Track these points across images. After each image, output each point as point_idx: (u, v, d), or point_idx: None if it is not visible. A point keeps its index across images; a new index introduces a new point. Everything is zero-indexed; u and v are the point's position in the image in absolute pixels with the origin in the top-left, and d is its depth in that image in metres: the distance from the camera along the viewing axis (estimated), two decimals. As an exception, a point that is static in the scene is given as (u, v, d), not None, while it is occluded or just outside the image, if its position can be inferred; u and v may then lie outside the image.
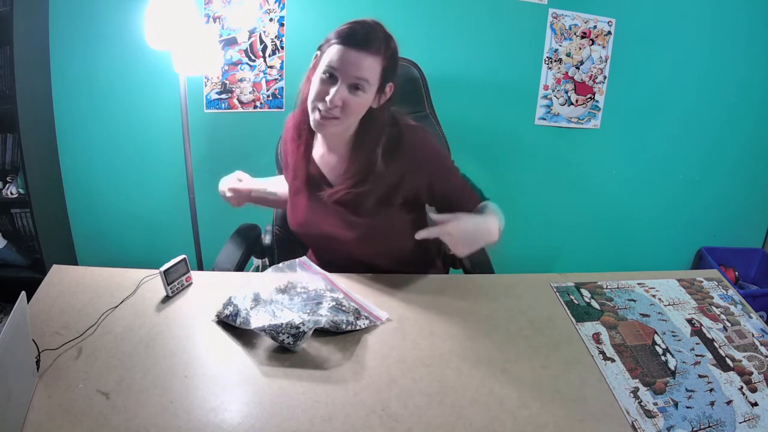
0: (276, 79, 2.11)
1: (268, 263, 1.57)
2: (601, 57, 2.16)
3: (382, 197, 1.18)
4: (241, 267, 1.40)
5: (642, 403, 0.92)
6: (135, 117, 2.11)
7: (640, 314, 1.14)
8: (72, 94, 2.07)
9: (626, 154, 2.33)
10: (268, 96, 2.13)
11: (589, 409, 0.90)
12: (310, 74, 1.11)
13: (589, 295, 1.20)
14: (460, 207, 1.20)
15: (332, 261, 1.27)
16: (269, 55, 2.08)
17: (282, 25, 2.05)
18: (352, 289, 1.15)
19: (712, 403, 0.93)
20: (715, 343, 1.08)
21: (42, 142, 2.06)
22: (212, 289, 1.15)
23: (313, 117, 1.09)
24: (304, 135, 1.21)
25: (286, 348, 0.97)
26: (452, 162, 1.28)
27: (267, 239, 1.55)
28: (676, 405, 0.92)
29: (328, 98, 1.05)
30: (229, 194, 1.31)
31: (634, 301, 1.18)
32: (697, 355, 1.04)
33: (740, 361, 1.04)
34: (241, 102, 2.13)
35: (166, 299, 1.10)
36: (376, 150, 1.13)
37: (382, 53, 1.06)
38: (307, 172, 1.23)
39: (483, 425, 0.86)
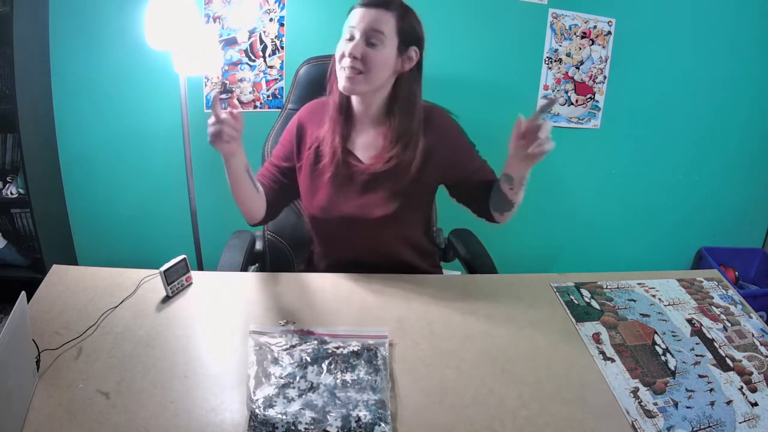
0: (276, 79, 2.11)
1: (259, 269, 1.56)
2: (601, 57, 2.16)
3: (417, 170, 1.22)
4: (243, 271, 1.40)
5: (642, 403, 0.92)
6: (135, 117, 2.11)
7: (640, 314, 1.14)
8: (72, 94, 2.07)
9: (626, 154, 2.33)
10: (268, 96, 2.13)
11: (589, 409, 0.90)
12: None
13: (589, 295, 1.20)
14: (482, 185, 1.25)
15: (342, 254, 1.29)
16: (269, 55, 2.08)
17: (282, 25, 2.05)
18: (352, 288, 1.15)
19: (712, 403, 0.93)
20: (715, 343, 1.08)
21: (42, 142, 2.06)
22: (212, 289, 1.15)
23: (341, 79, 1.16)
24: (335, 116, 1.24)
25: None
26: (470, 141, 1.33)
27: (259, 245, 1.55)
28: (676, 405, 0.92)
29: (347, 50, 1.12)
30: (224, 116, 1.02)
31: (634, 301, 1.18)
32: (697, 355, 1.04)
33: (740, 361, 1.04)
34: (241, 102, 2.13)
35: (166, 299, 1.10)
36: (415, 114, 1.21)
37: (396, 12, 1.13)
38: (337, 151, 1.23)
39: (483, 425, 0.86)
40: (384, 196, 1.22)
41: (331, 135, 1.23)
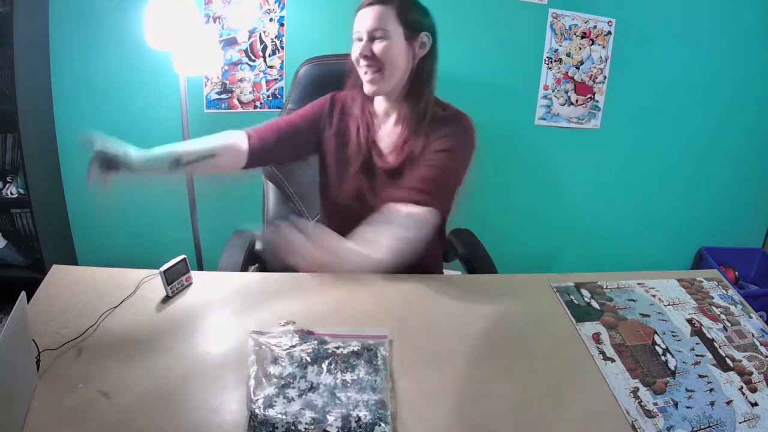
0: (276, 79, 2.11)
1: (259, 269, 1.56)
2: (601, 57, 2.16)
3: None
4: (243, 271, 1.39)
5: (642, 403, 0.92)
6: (135, 117, 2.11)
7: (640, 314, 1.14)
8: (72, 94, 2.07)
9: (626, 154, 2.33)
10: (268, 96, 2.13)
11: (589, 409, 0.90)
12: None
13: (589, 295, 1.20)
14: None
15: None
16: (269, 55, 2.08)
17: (282, 25, 2.05)
18: (352, 288, 1.15)
19: (712, 403, 0.93)
20: (715, 343, 1.08)
21: (42, 142, 2.06)
22: (212, 289, 1.15)
23: (365, 83, 1.22)
24: (360, 112, 1.27)
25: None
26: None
27: (259, 245, 1.54)
28: (676, 405, 0.92)
29: (357, 53, 1.19)
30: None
31: (634, 301, 1.18)
32: (697, 355, 1.04)
33: (740, 361, 1.04)
34: (241, 102, 2.13)
35: (166, 299, 1.10)
36: (422, 96, 1.25)
37: (393, 4, 1.18)
38: (362, 144, 1.26)
39: (483, 425, 0.86)
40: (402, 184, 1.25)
41: (355, 127, 1.26)
